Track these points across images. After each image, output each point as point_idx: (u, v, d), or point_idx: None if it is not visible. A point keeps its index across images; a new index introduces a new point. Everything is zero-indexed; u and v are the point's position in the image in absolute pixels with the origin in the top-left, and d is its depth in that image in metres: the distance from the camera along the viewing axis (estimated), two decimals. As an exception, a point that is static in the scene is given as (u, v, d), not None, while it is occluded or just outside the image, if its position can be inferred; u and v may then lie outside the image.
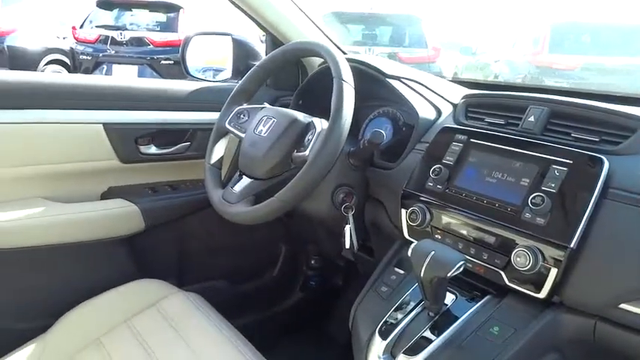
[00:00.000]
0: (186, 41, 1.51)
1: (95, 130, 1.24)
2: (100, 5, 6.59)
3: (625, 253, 0.72)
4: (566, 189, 0.77)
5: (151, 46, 6.23)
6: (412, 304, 0.88)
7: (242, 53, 1.49)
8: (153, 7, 6.51)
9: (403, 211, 0.97)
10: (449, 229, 0.90)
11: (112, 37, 6.27)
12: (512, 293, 0.82)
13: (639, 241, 0.71)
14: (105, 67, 6.28)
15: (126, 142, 1.29)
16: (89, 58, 6.34)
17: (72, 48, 6.64)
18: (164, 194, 1.38)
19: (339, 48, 1.50)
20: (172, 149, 1.38)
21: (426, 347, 0.79)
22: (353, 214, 1.07)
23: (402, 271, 0.96)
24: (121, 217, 1.29)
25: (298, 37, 1.38)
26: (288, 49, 1.14)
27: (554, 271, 0.75)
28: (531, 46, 5.94)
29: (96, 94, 1.26)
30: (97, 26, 6.49)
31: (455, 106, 1.10)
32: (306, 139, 1.00)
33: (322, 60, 1.21)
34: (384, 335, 0.84)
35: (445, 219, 0.91)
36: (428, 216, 0.92)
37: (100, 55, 6.29)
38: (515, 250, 0.78)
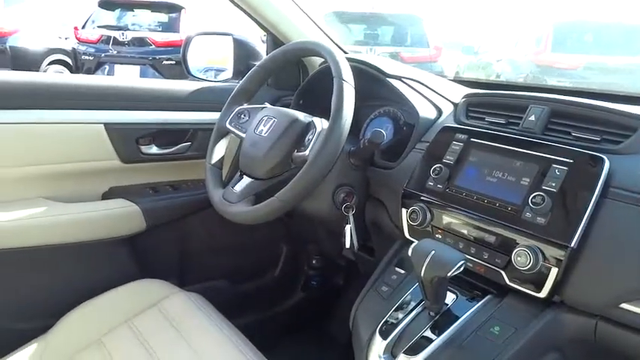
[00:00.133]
0: (188, 41, 1.51)
1: (96, 130, 1.24)
2: (101, 5, 6.61)
3: (626, 253, 0.71)
4: (567, 188, 0.77)
5: (153, 46, 6.25)
6: (413, 303, 0.87)
7: (243, 53, 1.49)
8: (155, 8, 6.53)
9: (404, 210, 0.97)
10: (449, 228, 0.90)
11: (114, 38, 6.29)
12: (512, 293, 0.82)
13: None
14: (107, 67, 6.31)
15: (127, 142, 1.29)
16: (91, 58, 6.36)
17: (74, 48, 6.66)
18: (165, 194, 1.38)
19: (340, 47, 1.50)
20: (173, 149, 1.38)
21: (427, 347, 0.79)
22: (353, 214, 1.07)
23: (402, 271, 0.96)
24: (122, 217, 1.29)
25: (299, 36, 1.38)
26: (289, 48, 1.14)
27: (554, 271, 0.75)
28: (534, 45, 5.93)
29: (97, 94, 1.26)
30: (99, 26, 6.52)
31: (455, 105, 1.09)
32: (307, 138, 1.00)
33: (323, 60, 1.22)
34: (384, 335, 0.84)
35: (446, 218, 0.91)
36: (428, 215, 0.92)
37: (102, 55, 6.32)
38: (516, 250, 0.77)
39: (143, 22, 6.54)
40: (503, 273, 0.81)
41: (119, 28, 6.40)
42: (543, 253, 0.76)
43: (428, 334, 0.81)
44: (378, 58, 1.30)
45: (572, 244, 0.73)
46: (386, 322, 0.87)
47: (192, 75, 1.51)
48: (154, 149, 1.36)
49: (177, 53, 5.51)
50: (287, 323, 1.72)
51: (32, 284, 1.24)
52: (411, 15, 6.56)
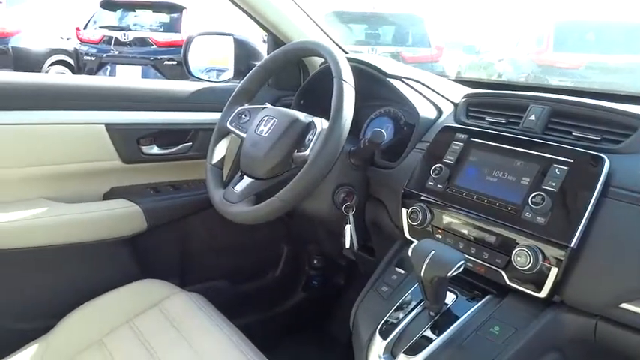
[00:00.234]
0: (189, 42, 1.52)
1: (97, 130, 1.24)
2: (103, 6, 6.61)
3: (626, 253, 0.71)
4: (567, 188, 0.77)
5: (155, 46, 6.25)
6: (413, 303, 0.87)
7: (243, 53, 1.49)
8: (156, 8, 6.53)
9: (404, 210, 0.97)
10: (449, 228, 0.90)
11: (116, 38, 6.29)
12: (512, 293, 0.82)
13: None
14: (109, 67, 6.31)
15: (128, 142, 1.29)
16: (93, 58, 6.36)
17: (76, 49, 6.67)
18: (166, 194, 1.38)
19: (340, 47, 1.50)
20: (174, 149, 1.38)
21: (427, 347, 0.79)
22: (353, 214, 1.07)
23: (402, 271, 0.96)
24: (123, 217, 1.29)
25: (299, 36, 1.38)
26: (289, 49, 1.14)
27: (554, 271, 0.75)
28: (535, 44, 5.92)
29: (98, 95, 1.26)
30: (100, 27, 6.51)
31: (456, 105, 1.09)
32: (307, 139, 1.01)
33: (323, 60, 1.22)
34: (384, 335, 0.84)
35: (446, 218, 0.91)
36: (428, 215, 0.92)
37: (104, 55, 6.32)
38: (516, 250, 0.77)
39: (145, 23, 6.54)
40: (503, 273, 0.81)
41: (121, 29, 6.40)
42: (543, 253, 0.76)
43: (428, 333, 0.81)
44: (378, 58, 1.30)
45: (572, 244, 0.73)
46: (386, 321, 0.87)
47: (193, 75, 1.52)
48: (155, 149, 1.36)
49: (179, 53, 5.50)
50: (288, 323, 1.72)
51: (34, 284, 1.25)
52: (412, 15, 6.56)
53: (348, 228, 1.07)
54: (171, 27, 6.39)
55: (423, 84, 1.17)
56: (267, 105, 1.16)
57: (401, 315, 0.86)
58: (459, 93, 1.13)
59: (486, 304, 0.83)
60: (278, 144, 1.02)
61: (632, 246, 0.71)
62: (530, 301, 0.79)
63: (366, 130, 1.28)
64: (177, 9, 6.43)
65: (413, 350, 0.80)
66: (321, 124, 1.01)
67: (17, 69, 6.20)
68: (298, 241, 1.69)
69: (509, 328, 0.78)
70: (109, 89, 1.29)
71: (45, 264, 1.24)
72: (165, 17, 6.50)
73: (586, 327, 0.75)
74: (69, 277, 1.28)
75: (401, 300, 0.89)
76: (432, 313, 0.83)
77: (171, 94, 1.37)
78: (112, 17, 6.59)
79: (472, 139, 0.93)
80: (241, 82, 1.19)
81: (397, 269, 0.97)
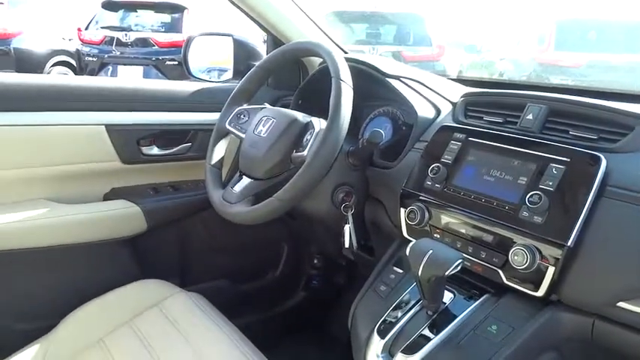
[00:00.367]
0: (188, 42, 1.52)
1: (97, 131, 1.25)
2: (105, 6, 6.62)
3: (623, 252, 0.72)
4: (564, 187, 0.77)
5: (156, 46, 6.25)
6: (411, 303, 0.88)
7: (243, 54, 1.50)
8: (158, 8, 6.54)
9: (402, 210, 0.97)
10: (447, 227, 0.90)
11: (117, 39, 6.30)
12: (510, 292, 0.82)
13: (637, 239, 0.71)
14: (110, 68, 6.31)
15: (128, 143, 1.30)
16: (95, 59, 6.37)
17: (78, 49, 6.67)
18: (166, 195, 1.38)
19: (340, 47, 1.50)
20: (174, 150, 1.39)
21: (424, 346, 0.79)
22: (352, 214, 1.08)
23: (400, 270, 0.96)
24: (123, 217, 1.29)
25: (299, 37, 1.38)
26: (288, 49, 1.15)
27: (551, 270, 0.75)
28: (536, 43, 5.91)
29: (98, 95, 1.27)
30: (102, 27, 6.52)
31: (454, 104, 1.10)
32: (305, 139, 1.01)
33: (322, 60, 1.22)
34: (382, 334, 0.85)
35: (444, 218, 0.91)
36: (426, 215, 0.92)
37: (106, 56, 6.32)
38: (513, 249, 0.78)
39: (146, 23, 6.55)
40: (500, 272, 0.81)
41: (122, 29, 6.41)
42: (540, 252, 0.76)
43: (425, 333, 0.82)
44: (377, 57, 1.30)
45: (569, 243, 0.73)
46: (384, 321, 0.87)
47: (193, 76, 1.52)
48: (154, 150, 1.37)
49: (180, 54, 5.52)
50: (288, 323, 1.72)
51: (35, 285, 1.25)
52: (413, 14, 6.55)
53: (347, 228, 1.08)
54: (173, 27, 6.40)
55: (421, 84, 1.17)
56: (266, 105, 1.16)
57: (399, 314, 0.87)
58: (458, 92, 1.13)
59: (484, 303, 0.83)
60: (276, 144, 1.03)
61: (629, 245, 0.71)
62: (528, 300, 0.79)
63: (365, 130, 1.28)
64: (179, 9, 6.44)
65: (410, 349, 0.80)
66: (320, 124, 1.01)
67: (19, 70, 6.21)
68: (298, 241, 1.69)
69: (507, 327, 0.78)
70: (108, 90, 1.29)
71: (45, 264, 1.25)
72: (166, 17, 6.51)
73: (583, 326, 0.75)
74: (70, 277, 1.29)
75: (399, 299, 0.89)
76: (429, 313, 0.84)
77: (170, 94, 1.37)
78: (114, 18, 6.60)
79: (470, 139, 0.93)
80: (240, 82, 1.19)
81: (395, 269, 0.97)
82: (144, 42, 6.29)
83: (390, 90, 1.15)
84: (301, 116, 1.05)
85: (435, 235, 0.92)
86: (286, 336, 1.65)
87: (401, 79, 1.17)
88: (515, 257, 0.77)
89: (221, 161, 1.17)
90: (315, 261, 1.73)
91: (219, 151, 1.17)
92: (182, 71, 1.53)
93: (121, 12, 6.62)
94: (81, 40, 6.56)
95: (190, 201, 1.41)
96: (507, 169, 0.85)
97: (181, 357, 1.01)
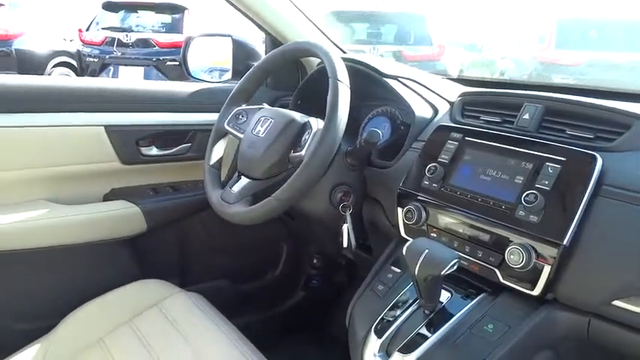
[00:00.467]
0: (187, 43, 1.52)
1: (97, 132, 1.25)
2: (105, 7, 6.63)
3: (618, 250, 0.72)
4: (560, 186, 0.77)
5: (157, 47, 6.26)
6: (408, 302, 0.88)
7: (242, 54, 1.50)
8: (158, 9, 6.54)
9: (399, 209, 0.97)
10: (444, 227, 0.90)
11: (118, 39, 6.31)
12: (506, 291, 0.82)
13: (632, 238, 0.71)
14: (111, 68, 6.32)
15: (127, 143, 1.30)
16: (96, 60, 6.38)
17: (79, 50, 6.69)
18: (165, 195, 1.39)
19: (338, 47, 1.50)
20: (173, 150, 1.39)
21: (421, 345, 0.79)
22: (350, 213, 1.08)
23: (398, 270, 0.96)
24: (123, 218, 1.30)
25: (297, 37, 1.39)
26: (286, 49, 1.15)
27: (547, 269, 0.75)
28: (537, 42, 5.91)
29: (97, 97, 1.27)
30: (103, 28, 6.53)
31: (452, 104, 1.10)
32: (303, 139, 1.01)
33: (320, 60, 1.22)
34: (379, 333, 0.85)
35: (441, 217, 0.91)
36: (423, 214, 0.93)
37: (107, 57, 6.34)
38: (509, 248, 0.78)
39: (147, 24, 6.56)
40: (497, 271, 0.81)
41: (123, 30, 6.42)
42: (536, 251, 0.76)
43: (422, 332, 0.82)
44: (374, 57, 1.31)
45: (565, 242, 0.73)
46: (381, 320, 0.87)
47: (192, 76, 1.53)
48: (154, 151, 1.37)
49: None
50: (288, 323, 1.72)
51: (35, 285, 1.26)
52: (413, 13, 6.54)
53: (345, 227, 1.08)
54: (173, 28, 6.41)
55: (419, 83, 1.17)
56: (265, 105, 1.17)
57: (396, 313, 0.87)
58: (456, 92, 1.13)
59: (481, 302, 0.84)
60: (274, 144, 1.03)
61: (624, 244, 0.71)
62: (524, 299, 0.79)
63: (364, 130, 1.28)
64: (179, 10, 6.45)
65: (407, 348, 0.80)
66: (317, 124, 1.02)
67: (21, 71, 6.23)
68: (298, 240, 1.69)
69: (503, 326, 0.78)
70: (107, 91, 1.30)
71: (46, 265, 1.25)
72: (167, 18, 6.52)
73: (579, 325, 0.75)
74: (70, 277, 1.29)
75: (396, 299, 0.90)
76: (426, 312, 0.84)
77: (169, 95, 1.37)
78: (114, 18, 6.61)
79: (467, 138, 0.93)
80: (238, 82, 1.20)
81: (393, 268, 0.97)
82: (145, 42, 6.30)
83: (388, 90, 1.15)
84: (299, 116, 1.06)
85: (432, 235, 0.92)
86: (286, 336, 1.65)
87: (399, 79, 1.17)
88: (512, 256, 0.77)
89: (220, 161, 1.18)
90: (315, 261, 1.73)
91: (218, 151, 1.18)
92: (183, 71, 1.53)
93: (121, 13, 6.63)
94: (82, 41, 6.58)
95: (190, 201, 1.41)
96: (504, 168, 0.85)
97: (180, 357, 1.02)
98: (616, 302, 0.71)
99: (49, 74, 6.68)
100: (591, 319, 0.74)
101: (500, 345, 0.76)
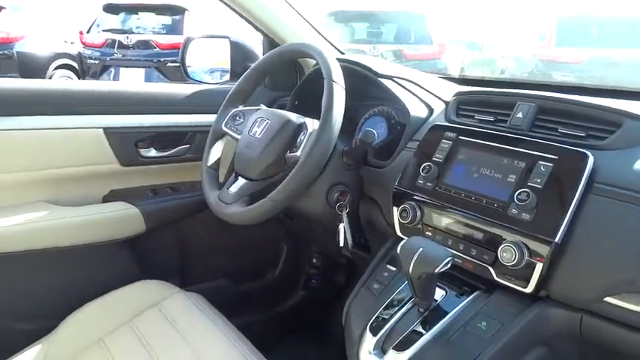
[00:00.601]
0: (186, 45, 1.53)
1: (96, 134, 1.26)
2: (106, 9, 6.65)
3: (609, 248, 0.72)
4: (552, 185, 0.78)
5: (157, 48, 6.27)
6: (403, 300, 0.88)
7: (240, 56, 1.51)
8: (158, 10, 6.56)
9: (395, 208, 0.98)
10: (439, 226, 0.91)
11: (119, 41, 6.32)
12: (500, 288, 0.83)
13: (623, 236, 0.72)
14: (112, 70, 6.34)
15: (126, 145, 1.31)
16: (97, 62, 6.40)
17: (80, 52, 6.72)
18: (164, 196, 1.40)
19: (335, 48, 1.50)
20: (172, 152, 1.40)
21: (415, 343, 0.80)
22: (347, 213, 1.09)
23: (394, 269, 0.97)
24: (122, 219, 1.31)
25: (293, 38, 1.40)
26: (282, 50, 1.16)
27: (539, 266, 0.75)
28: (537, 40, 5.90)
29: (95, 99, 1.28)
30: (103, 30, 6.55)
31: (447, 103, 1.10)
32: (299, 139, 1.02)
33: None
34: (374, 331, 0.86)
35: (435, 216, 0.92)
36: (418, 213, 0.93)
37: (108, 58, 6.35)
38: (502, 246, 0.78)
39: (147, 25, 6.57)
40: (491, 269, 0.82)
41: (124, 32, 6.43)
42: (529, 249, 0.77)
43: (417, 329, 0.82)
44: (370, 58, 1.31)
45: (556, 240, 0.74)
46: (376, 318, 0.88)
47: (191, 78, 1.53)
48: (152, 152, 1.38)
49: (182, 55, 5.51)
50: (287, 323, 1.73)
51: (35, 286, 1.27)
52: (414, 12, 6.54)
53: (341, 227, 1.09)
54: (174, 29, 6.42)
55: (414, 83, 1.18)
56: (262, 106, 1.17)
57: (391, 312, 0.87)
58: (451, 91, 1.13)
59: (475, 299, 0.84)
60: (271, 145, 1.04)
61: (615, 241, 0.72)
62: (518, 296, 0.80)
63: (360, 130, 1.29)
64: (180, 11, 6.46)
65: (402, 346, 0.81)
66: (313, 124, 1.02)
67: (22, 74, 6.26)
68: (298, 240, 1.70)
69: (497, 323, 0.78)
70: (106, 94, 1.31)
71: (46, 266, 1.26)
72: (167, 19, 6.53)
73: (572, 321, 0.76)
74: (70, 278, 1.30)
75: (392, 297, 0.90)
76: (421, 310, 0.84)
77: (168, 97, 1.38)
78: (115, 20, 6.63)
79: (461, 138, 0.94)
80: (236, 84, 1.21)
81: (389, 267, 0.98)
82: (145, 44, 6.31)
83: (383, 90, 1.16)
84: (295, 117, 1.07)
85: (427, 233, 0.93)
86: (286, 336, 1.66)
87: (394, 79, 1.18)
88: (504, 254, 0.78)
89: (217, 162, 1.19)
90: (315, 260, 1.73)
91: (216, 152, 1.19)
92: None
93: (122, 14, 6.64)
94: (83, 43, 6.60)
95: (189, 202, 1.42)
96: (497, 167, 0.86)
97: (180, 356, 1.03)
98: (607, 299, 0.71)
99: (51, 77, 6.71)
100: (583, 316, 0.75)
101: (493, 342, 0.76)
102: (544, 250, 0.75)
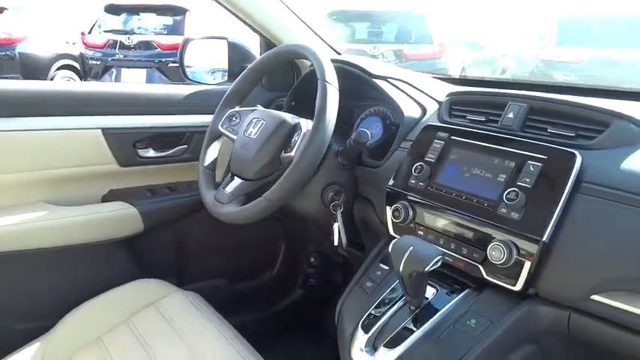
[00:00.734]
0: (184, 45, 1.54)
1: (94, 135, 1.28)
2: (107, 10, 6.67)
3: (596, 246, 0.73)
4: (541, 184, 0.79)
5: (159, 49, 6.28)
6: (395, 298, 0.90)
7: (237, 56, 1.52)
8: (160, 11, 6.57)
9: (388, 208, 0.99)
10: (431, 225, 0.92)
11: (121, 42, 6.34)
12: (490, 287, 0.84)
13: (610, 235, 0.73)
14: (114, 71, 6.35)
15: (124, 146, 1.32)
16: (98, 62, 6.41)
17: (81, 53, 6.74)
18: (163, 196, 1.41)
19: (332, 48, 1.51)
20: (170, 152, 1.41)
21: (405, 340, 0.81)
22: (342, 212, 1.10)
23: (386, 267, 0.98)
24: (121, 219, 1.32)
25: (290, 38, 1.41)
26: (278, 51, 1.17)
27: (528, 264, 0.76)
28: (537, 39, 5.91)
29: (94, 100, 1.30)
30: (105, 31, 6.57)
31: (440, 103, 1.11)
32: (293, 139, 1.03)
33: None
34: (366, 329, 0.87)
35: (427, 215, 0.93)
36: (411, 213, 0.94)
37: (109, 59, 6.37)
38: (491, 244, 0.79)
39: (149, 26, 6.59)
40: (480, 267, 0.83)
41: (125, 32, 6.44)
42: (517, 247, 0.78)
43: (408, 327, 0.84)
44: (364, 59, 1.32)
45: (544, 239, 0.75)
46: (368, 316, 0.89)
47: (189, 78, 1.55)
48: (151, 152, 1.40)
49: (183, 56, 5.52)
50: (285, 322, 1.74)
51: (33, 285, 1.28)
52: (414, 12, 6.55)
53: (336, 226, 1.10)
54: (175, 29, 6.43)
55: (408, 84, 1.19)
56: (258, 107, 1.19)
57: (383, 310, 0.88)
58: (444, 91, 1.14)
59: (465, 298, 0.85)
60: (266, 145, 1.05)
61: (602, 240, 0.73)
62: (507, 294, 0.81)
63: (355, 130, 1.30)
64: (181, 11, 6.47)
65: (393, 343, 0.82)
66: (307, 125, 1.03)
67: (24, 74, 6.29)
68: (295, 239, 1.71)
69: (486, 320, 0.79)
70: (104, 95, 1.32)
71: (44, 265, 1.27)
72: (168, 20, 6.54)
73: (559, 319, 0.77)
74: (68, 277, 1.32)
75: (384, 295, 0.92)
76: (412, 308, 0.85)
77: (166, 97, 1.40)
78: (116, 21, 6.64)
79: (452, 138, 0.95)
80: (232, 84, 1.22)
81: (381, 265, 0.99)
82: (146, 45, 6.32)
83: (378, 90, 1.17)
84: (290, 117, 1.08)
85: (420, 233, 0.94)
86: (283, 334, 1.67)
87: (388, 79, 1.19)
88: (494, 252, 0.79)
89: (214, 163, 1.20)
90: (312, 259, 1.74)
91: (212, 152, 1.20)
92: (185, 73, 1.55)
93: (123, 15, 6.66)
94: (84, 43, 6.62)
95: (186, 202, 1.43)
96: (488, 166, 0.87)
97: (177, 355, 1.04)
98: (594, 297, 0.72)
99: (53, 77, 6.74)
100: (571, 314, 0.76)
101: (481, 339, 0.77)
102: (532, 248, 0.76)
